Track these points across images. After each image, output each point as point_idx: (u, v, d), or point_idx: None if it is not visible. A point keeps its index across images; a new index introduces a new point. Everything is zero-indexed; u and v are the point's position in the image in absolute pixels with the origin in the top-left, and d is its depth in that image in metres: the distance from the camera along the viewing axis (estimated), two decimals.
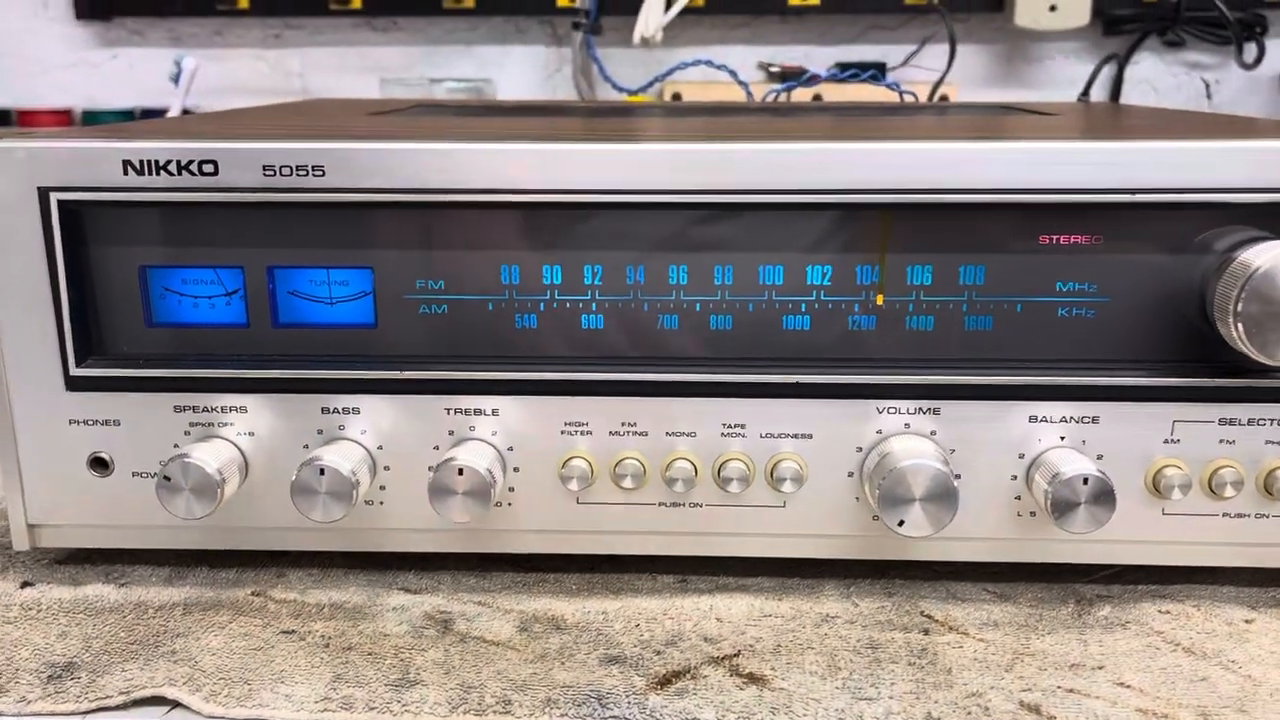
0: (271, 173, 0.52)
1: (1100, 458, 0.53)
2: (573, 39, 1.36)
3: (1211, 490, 0.53)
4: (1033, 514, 0.54)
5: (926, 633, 0.53)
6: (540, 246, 0.53)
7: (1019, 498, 0.54)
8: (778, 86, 1.15)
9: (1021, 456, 0.54)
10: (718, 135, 0.57)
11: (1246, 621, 0.53)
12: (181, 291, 0.55)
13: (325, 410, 0.55)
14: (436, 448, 0.55)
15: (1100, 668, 0.50)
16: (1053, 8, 1.31)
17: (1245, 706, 0.47)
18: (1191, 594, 0.56)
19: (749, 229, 0.53)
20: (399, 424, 0.55)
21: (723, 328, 0.54)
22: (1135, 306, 0.53)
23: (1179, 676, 0.49)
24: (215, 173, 0.52)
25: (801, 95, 1.18)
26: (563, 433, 0.55)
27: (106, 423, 0.55)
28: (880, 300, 0.53)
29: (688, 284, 0.54)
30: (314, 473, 0.52)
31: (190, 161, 0.52)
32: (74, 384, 0.55)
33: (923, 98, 1.26)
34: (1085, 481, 0.51)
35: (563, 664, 0.50)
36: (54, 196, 0.52)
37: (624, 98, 1.31)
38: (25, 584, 0.57)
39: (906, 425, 0.54)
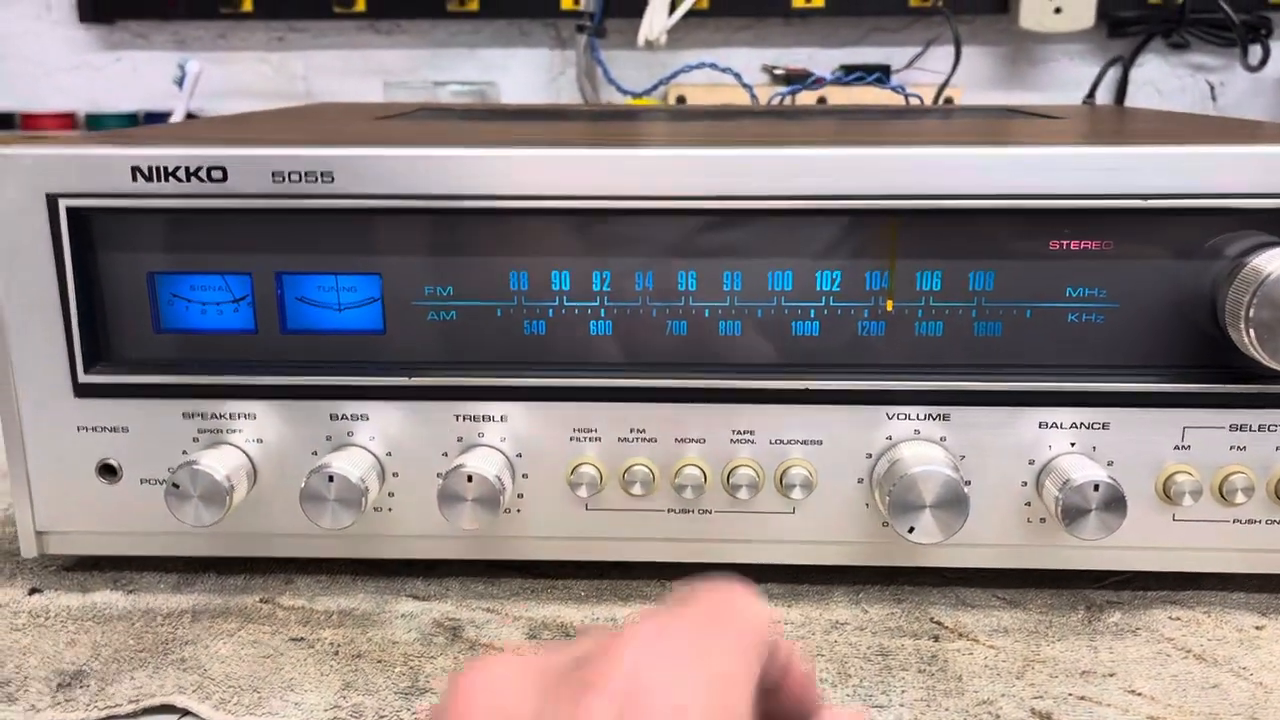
0: (280, 179, 0.52)
1: (1111, 464, 0.53)
2: (577, 42, 1.36)
3: (1222, 496, 0.53)
4: (1043, 520, 0.54)
5: (937, 639, 0.52)
6: (549, 252, 0.53)
7: (1029, 504, 0.54)
8: (783, 90, 1.15)
9: (1032, 462, 0.54)
10: (726, 141, 0.57)
11: (1257, 628, 0.53)
12: (190, 298, 0.55)
13: (334, 417, 0.55)
14: (445, 454, 0.55)
15: (1111, 675, 0.49)
16: (1057, 10, 1.31)
17: (1256, 714, 0.47)
18: (1202, 600, 0.56)
19: (758, 235, 0.53)
20: (408, 430, 0.55)
21: (732, 334, 0.54)
22: (1145, 312, 0.53)
23: (1189, 684, 0.49)
24: (224, 179, 0.52)
25: (806, 99, 1.18)
26: (571, 439, 0.54)
27: (115, 429, 0.55)
28: (890, 306, 0.53)
29: (696, 290, 0.54)
30: (323, 480, 0.52)
31: (199, 168, 0.52)
32: (82, 390, 0.54)
33: (927, 100, 1.26)
34: (1096, 488, 0.51)
35: None
36: (63, 203, 0.52)
37: (628, 101, 1.31)
38: (34, 591, 0.57)
39: (916, 431, 0.53)
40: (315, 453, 0.55)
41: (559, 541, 0.57)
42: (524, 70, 1.48)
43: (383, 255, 0.54)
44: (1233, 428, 0.53)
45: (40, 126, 1.46)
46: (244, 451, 0.55)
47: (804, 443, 0.54)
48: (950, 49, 1.31)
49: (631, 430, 0.54)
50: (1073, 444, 0.53)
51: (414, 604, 0.56)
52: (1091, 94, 1.36)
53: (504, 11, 1.42)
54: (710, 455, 0.54)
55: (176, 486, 0.53)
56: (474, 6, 1.41)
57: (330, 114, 0.84)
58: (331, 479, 0.52)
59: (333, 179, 0.52)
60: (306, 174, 0.52)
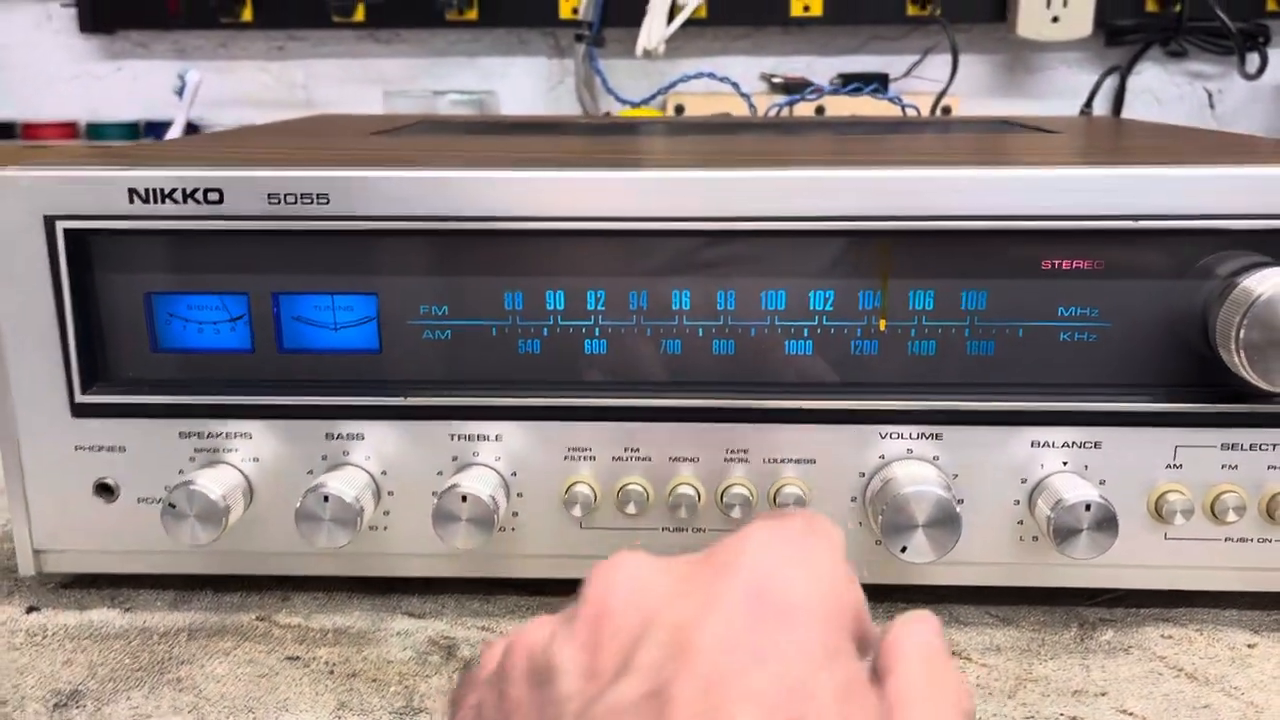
0: (276, 201, 0.52)
1: (1103, 483, 0.53)
2: (575, 51, 1.36)
3: (1214, 515, 0.53)
4: (1035, 538, 0.54)
5: None
6: (543, 272, 0.54)
7: (1021, 522, 0.54)
8: (781, 100, 1.15)
9: (1024, 481, 0.54)
10: (721, 160, 0.57)
11: (1249, 646, 0.54)
12: (186, 317, 0.55)
13: (330, 436, 0.55)
14: (440, 473, 0.55)
15: (1103, 694, 0.50)
16: (1055, 18, 1.32)
17: None
18: (1194, 618, 0.56)
19: (751, 254, 0.53)
20: (403, 450, 0.55)
21: (725, 353, 0.54)
22: (1137, 332, 0.53)
23: (1181, 703, 0.49)
24: (220, 201, 0.52)
25: (804, 109, 1.19)
26: (566, 458, 0.55)
27: (112, 449, 0.55)
28: (883, 325, 0.54)
29: (690, 309, 0.54)
30: (318, 499, 0.52)
31: (195, 190, 0.52)
32: (79, 410, 0.55)
33: (925, 108, 1.26)
34: (1088, 508, 0.51)
35: None
36: (60, 225, 0.52)
37: (627, 110, 1.31)
38: (31, 609, 0.57)
39: (909, 450, 0.54)
40: (311, 472, 0.55)
41: (554, 560, 0.57)
42: (523, 79, 1.48)
43: (379, 275, 0.54)
44: (1224, 447, 0.53)
45: (41, 136, 1.47)
46: (240, 471, 0.55)
47: (797, 461, 0.54)
48: (948, 57, 1.31)
49: (626, 449, 0.55)
50: (1065, 463, 0.53)
51: (409, 622, 0.56)
52: (1089, 103, 1.37)
53: (503, 20, 1.43)
54: (704, 474, 0.55)
55: (173, 506, 0.53)
56: (473, 16, 1.41)
57: (328, 128, 0.85)
58: (327, 499, 0.52)
59: (328, 200, 0.52)
60: (302, 195, 0.52)
